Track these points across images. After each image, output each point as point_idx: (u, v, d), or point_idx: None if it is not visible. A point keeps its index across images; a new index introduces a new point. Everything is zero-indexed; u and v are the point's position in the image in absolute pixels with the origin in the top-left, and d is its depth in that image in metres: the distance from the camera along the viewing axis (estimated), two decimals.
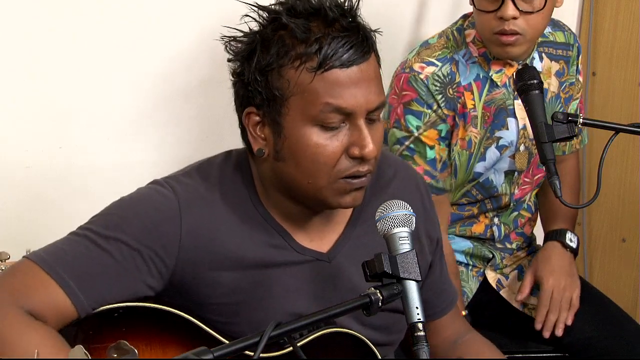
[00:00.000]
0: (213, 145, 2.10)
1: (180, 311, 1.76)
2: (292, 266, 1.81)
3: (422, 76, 2.45)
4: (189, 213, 1.76)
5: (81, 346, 1.61)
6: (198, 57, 2.64)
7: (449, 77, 2.46)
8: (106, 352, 1.61)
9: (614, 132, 2.17)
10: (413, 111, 2.45)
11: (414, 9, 3.09)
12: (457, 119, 2.48)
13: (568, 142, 2.70)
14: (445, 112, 2.46)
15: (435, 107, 2.45)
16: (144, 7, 2.57)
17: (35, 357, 1.62)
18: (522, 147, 2.56)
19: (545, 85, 2.55)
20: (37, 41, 2.43)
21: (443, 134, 2.48)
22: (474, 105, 2.49)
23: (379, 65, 1.77)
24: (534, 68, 2.35)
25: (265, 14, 1.74)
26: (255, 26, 1.75)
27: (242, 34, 1.76)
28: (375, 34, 1.76)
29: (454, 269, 2.54)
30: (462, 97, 2.48)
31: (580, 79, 2.69)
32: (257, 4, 1.76)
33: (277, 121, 1.72)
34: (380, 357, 1.87)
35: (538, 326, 2.56)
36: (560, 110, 2.57)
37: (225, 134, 2.66)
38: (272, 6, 1.75)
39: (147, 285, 1.75)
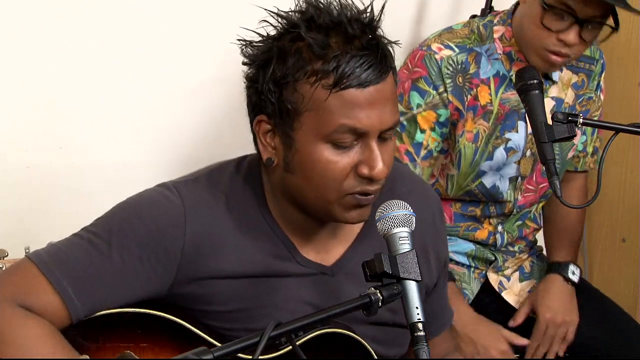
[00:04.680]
0: (213, 146, 2.10)
1: (178, 316, 1.75)
2: (293, 277, 1.80)
3: (437, 57, 2.45)
4: (194, 220, 1.74)
5: (87, 356, 1.62)
6: (199, 58, 2.63)
7: (462, 65, 2.46)
8: None
9: (614, 132, 2.17)
10: (419, 88, 2.46)
11: (414, 9, 3.09)
12: (462, 109, 2.47)
13: (582, 159, 2.70)
14: (450, 98, 2.45)
15: (441, 89, 2.45)
16: (145, 8, 2.57)
17: (32, 358, 1.62)
18: (528, 153, 2.56)
19: (562, 96, 2.56)
20: (38, 41, 2.43)
21: (442, 119, 2.47)
22: (491, 100, 2.49)
23: (396, 83, 1.74)
24: (534, 68, 2.35)
25: (284, 22, 1.70)
26: (272, 30, 1.72)
27: (258, 39, 1.72)
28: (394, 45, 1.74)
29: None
30: (475, 90, 2.47)
31: (602, 96, 2.68)
32: (277, 10, 1.72)
33: (289, 134, 1.69)
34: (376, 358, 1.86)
35: (528, 357, 2.58)
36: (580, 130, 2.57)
37: (225, 135, 2.66)
38: (292, 14, 1.71)
39: (145, 291, 1.74)
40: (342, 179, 1.68)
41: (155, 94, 2.61)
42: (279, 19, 1.71)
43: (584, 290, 2.70)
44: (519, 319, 2.64)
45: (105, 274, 1.71)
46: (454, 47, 2.47)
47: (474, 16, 3.00)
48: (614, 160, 3.19)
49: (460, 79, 2.46)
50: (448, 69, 2.45)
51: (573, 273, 2.64)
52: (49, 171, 2.50)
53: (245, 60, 1.74)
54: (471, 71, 2.47)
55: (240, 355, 1.42)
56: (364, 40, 1.67)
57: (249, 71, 1.74)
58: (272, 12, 1.72)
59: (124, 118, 2.59)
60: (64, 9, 2.46)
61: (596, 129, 2.69)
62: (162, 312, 1.75)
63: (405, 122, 2.47)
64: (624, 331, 2.63)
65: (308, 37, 1.65)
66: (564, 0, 2.31)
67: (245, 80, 1.76)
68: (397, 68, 2.61)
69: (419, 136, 2.47)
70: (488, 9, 2.96)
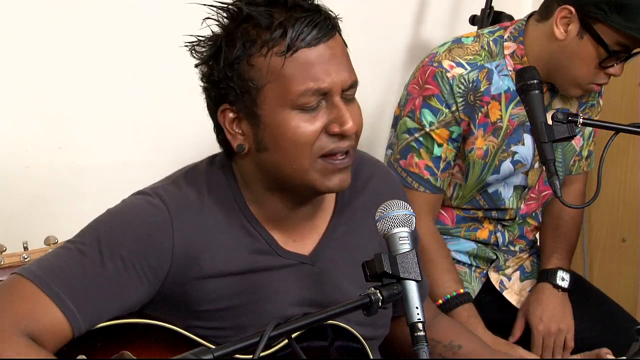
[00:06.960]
0: (212, 146, 2.09)
1: (164, 321, 1.75)
2: (277, 270, 1.81)
3: (449, 75, 2.44)
4: (180, 223, 1.74)
5: (84, 356, 1.61)
6: None
7: (474, 84, 2.46)
8: None
9: (614, 132, 2.17)
10: (431, 106, 2.46)
11: (414, 9, 3.09)
12: (473, 126, 2.48)
13: (577, 162, 2.70)
14: (462, 116, 2.46)
15: (454, 108, 2.45)
16: (145, 8, 2.57)
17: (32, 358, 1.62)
18: (536, 165, 2.56)
19: (568, 107, 2.56)
20: (38, 41, 2.43)
21: (454, 136, 2.48)
22: (501, 116, 2.49)
23: (346, 46, 1.76)
24: (534, 68, 2.35)
25: (225, 13, 1.75)
26: (218, 30, 1.76)
27: (205, 37, 1.76)
28: (338, 19, 1.76)
29: (450, 265, 2.53)
30: (486, 107, 2.47)
31: (601, 101, 2.69)
32: (217, 3, 1.76)
33: (254, 112, 1.72)
34: (366, 345, 1.85)
35: None
36: (578, 132, 2.57)
37: None
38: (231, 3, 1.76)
39: (138, 298, 1.73)
40: (312, 141, 1.71)
41: (155, 94, 2.62)
42: (221, 12, 1.75)
43: (584, 290, 2.70)
44: (517, 333, 2.63)
45: (102, 283, 1.69)
46: (465, 64, 2.46)
47: (474, 16, 3.00)
48: (614, 161, 3.19)
49: (472, 97, 2.46)
50: (460, 88, 2.44)
51: (562, 279, 2.62)
52: (49, 171, 2.50)
53: (197, 61, 1.77)
54: (482, 89, 2.46)
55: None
56: (305, 5, 1.72)
57: (203, 70, 1.77)
58: (212, 6, 1.76)
59: (124, 118, 2.59)
60: (64, 9, 2.46)
61: (592, 133, 2.70)
62: (152, 320, 1.75)
63: (421, 139, 2.48)
64: (624, 331, 2.63)
65: (251, 12, 1.70)
66: (630, 44, 2.35)
67: (201, 82, 1.78)
68: (400, 70, 2.62)
69: (437, 150, 2.48)
70: (488, 9, 2.96)
